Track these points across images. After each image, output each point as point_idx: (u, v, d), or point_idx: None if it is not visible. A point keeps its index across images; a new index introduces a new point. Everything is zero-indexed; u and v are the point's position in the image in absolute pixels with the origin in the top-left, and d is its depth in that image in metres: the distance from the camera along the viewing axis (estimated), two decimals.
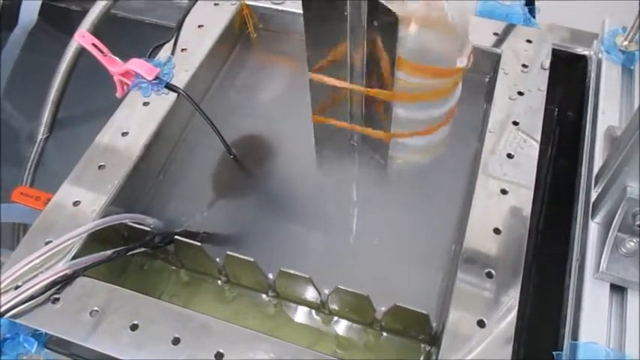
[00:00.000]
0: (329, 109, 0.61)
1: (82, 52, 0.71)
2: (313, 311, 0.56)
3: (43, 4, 0.88)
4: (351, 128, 0.62)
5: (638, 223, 0.47)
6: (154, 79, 0.63)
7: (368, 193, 0.63)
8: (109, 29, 0.72)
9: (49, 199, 0.56)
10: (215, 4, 0.72)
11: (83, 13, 0.71)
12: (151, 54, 0.66)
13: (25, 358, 0.49)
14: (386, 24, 0.48)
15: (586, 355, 0.45)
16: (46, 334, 0.50)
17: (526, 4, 0.69)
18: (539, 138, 0.58)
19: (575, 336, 0.47)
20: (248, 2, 0.73)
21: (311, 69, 0.56)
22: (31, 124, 0.74)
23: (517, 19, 0.68)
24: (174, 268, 0.59)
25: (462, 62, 0.53)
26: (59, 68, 0.72)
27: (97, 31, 0.69)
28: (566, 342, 0.47)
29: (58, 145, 0.72)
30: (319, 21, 0.52)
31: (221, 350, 0.46)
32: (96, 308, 0.48)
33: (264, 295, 0.57)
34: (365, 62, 0.54)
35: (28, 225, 0.55)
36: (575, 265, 0.52)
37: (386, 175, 0.63)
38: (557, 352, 0.47)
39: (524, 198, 0.54)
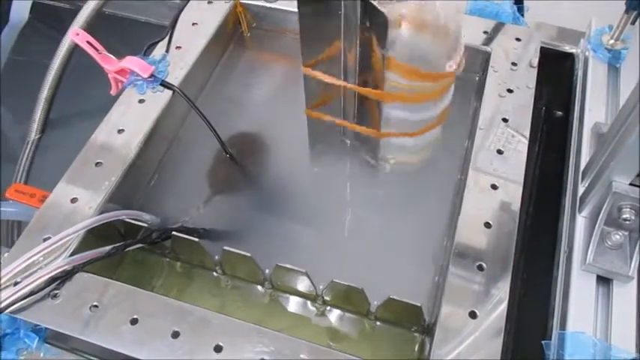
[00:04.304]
0: (322, 104, 0.62)
1: (74, 49, 0.71)
2: (308, 302, 0.57)
3: (33, 2, 0.87)
4: (343, 124, 0.63)
5: (623, 216, 0.49)
6: (149, 77, 0.63)
7: (361, 189, 0.64)
8: (100, 27, 0.72)
9: (44, 196, 0.56)
10: (209, 2, 0.73)
11: (74, 11, 0.70)
12: (145, 52, 0.66)
13: (25, 353, 0.50)
14: (377, 24, 0.49)
15: (573, 344, 0.46)
16: (46, 329, 0.50)
17: (515, 3, 0.70)
18: (528, 134, 0.59)
19: (563, 326, 0.48)
20: (242, 0, 0.74)
21: (305, 64, 0.57)
22: (24, 122, 0.73)
23: (506, 18, 0.70)
24: (169, 259, 0.60)
25: (452, 67, 0.52)
26: (52, 66, 0.71)
27: (89, 29, 0.69)
28: (555, 332, 0.49)
29: (52, 143, 0.72)
30: (314, 18, 0.52)
31: (220, 343, 0.47)
32: (95, 303, 0.49)
33: (259, 287, 0.58)
34: (358, 61, 0.55)
35: (23, 222, 0.55)
36: (562, 257, 0.53)
37: (378, 171, 0.64)
38: (546, 342, 0.48)
39: (513, 193, 0.55)
